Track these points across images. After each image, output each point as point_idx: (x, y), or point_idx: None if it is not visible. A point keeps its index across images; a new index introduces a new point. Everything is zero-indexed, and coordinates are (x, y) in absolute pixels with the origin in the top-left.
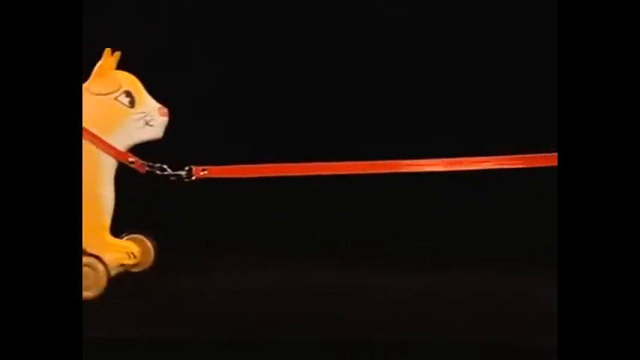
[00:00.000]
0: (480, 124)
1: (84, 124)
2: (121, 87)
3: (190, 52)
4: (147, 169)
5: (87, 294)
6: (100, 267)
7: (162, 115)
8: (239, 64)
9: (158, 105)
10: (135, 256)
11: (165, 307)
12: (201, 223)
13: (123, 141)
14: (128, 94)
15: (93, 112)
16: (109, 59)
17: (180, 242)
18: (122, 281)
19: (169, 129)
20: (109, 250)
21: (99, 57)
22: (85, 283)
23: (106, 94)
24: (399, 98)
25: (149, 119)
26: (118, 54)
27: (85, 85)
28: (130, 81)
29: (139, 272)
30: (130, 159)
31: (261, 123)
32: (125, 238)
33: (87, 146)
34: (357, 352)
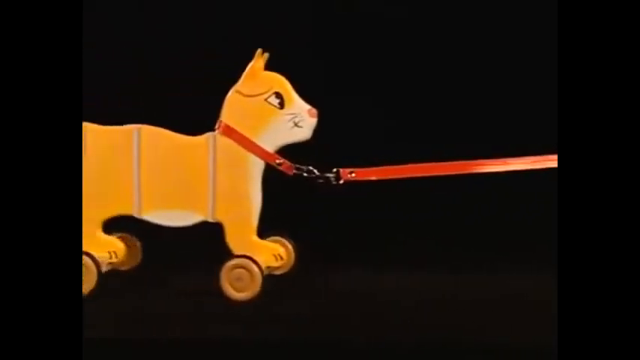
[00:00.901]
0: (479, 125)
1: (234, 126)
2: (271, 88)
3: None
4: (294, 171)
5: (241, 295)
6: (255, 268)
7: (312, 116)
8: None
9: (308, 106)
10: (282, 258)
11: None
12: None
13: (271, 142)
14: (278, 95)
15: (243, 114)
16: (260, 60)
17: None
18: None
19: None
20: (258, 252)
21: (99, 57)
22: (239, 284)
23: (256, 96)
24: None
25: (298, 120)
26: (266, 55)
27: (236, 87)
28: (279, 82)
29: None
30: (278, 160)
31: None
32: (268, 239)
33: (235, 147)
34: (357, 352)
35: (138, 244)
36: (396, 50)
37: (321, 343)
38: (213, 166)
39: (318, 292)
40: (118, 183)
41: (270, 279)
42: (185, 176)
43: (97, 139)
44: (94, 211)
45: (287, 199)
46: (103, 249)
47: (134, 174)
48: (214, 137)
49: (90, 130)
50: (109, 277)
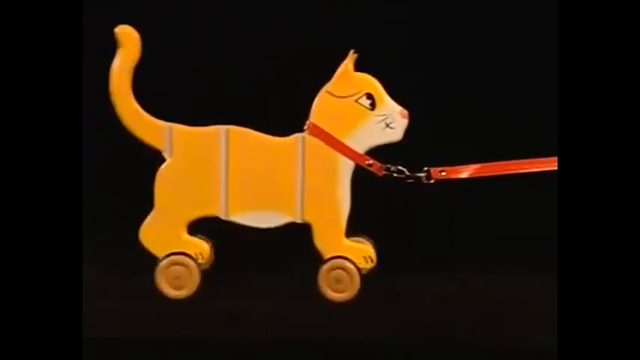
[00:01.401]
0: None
1: (324, 126)
2: (362, 89)
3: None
4: (384, 172)
5: (342, 296)
6: (353, 268)
7: (403, 117)
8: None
9: (399, 107)
10: (372, 260)
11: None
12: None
13: (361, 143)
14: (369, 96)
15: (333, 115)
16: (351, 61)
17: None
18: None
19: None
20: (348, 254)
21: (99, 57)
22: (339, 286)
23: (347, 97)
24: None
25: (390, 121)
26: (355, 55)
27: (327, 88)
28: (370, 83)
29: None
30: (368, 162)
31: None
32: (352, 240)
33: (325, 148)
34: (355, 352)
35: (210, 243)
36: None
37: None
38: (302, 167)
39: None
40: (205, 184)
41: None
42: (273, 177)
43: (184, 139)
44: (180, 213)
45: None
46: (189, 250)
47: (221, 175)
48: (303, 138)
49: (177, 131)
50: (116, 280)
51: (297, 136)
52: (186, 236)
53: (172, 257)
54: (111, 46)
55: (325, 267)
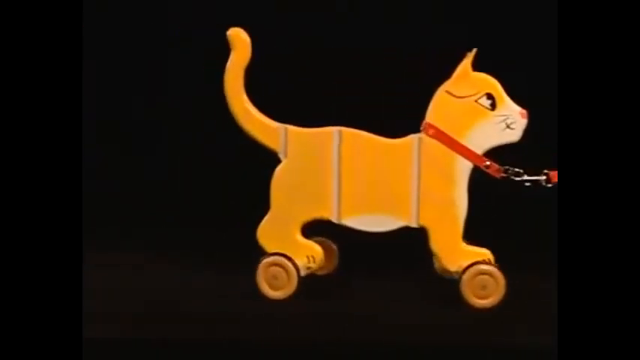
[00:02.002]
0: None
1: (441, 127)
2: (482, 89)
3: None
4: (502, 174)
5: (486, 302)
6: (498, 272)
7: (523, 117)
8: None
9: (519, 108)
10: (491, 262)
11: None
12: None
13: (479, 144)
14: (489, 96)
15: (451, 115)
16: (470, 60)
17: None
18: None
19: None
20: (467, 258)
21: (98, 57)
22: (484, 292)
23: (466, 97)
24: None
25: (510, 122)
26: (472, 54)
27: (445, 87)
28: (490, 83)
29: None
30: (486, 163)
31: None
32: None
33: (442, 149)
34: (355, 352)
35: (335, 247)
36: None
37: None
38: (418, 169)
39: None
40: (318, 186)
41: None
42: (387, 179)
43: (299, 140)
44: (293, 215)
45: None
46: (301, 253)
47: (334, 177)
48: (419, 139)
49: (291, 132)
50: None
51: (412, 137)
52: (300, 238)
53: (273, 258)
54: (111, 46)
55: (469, 273)
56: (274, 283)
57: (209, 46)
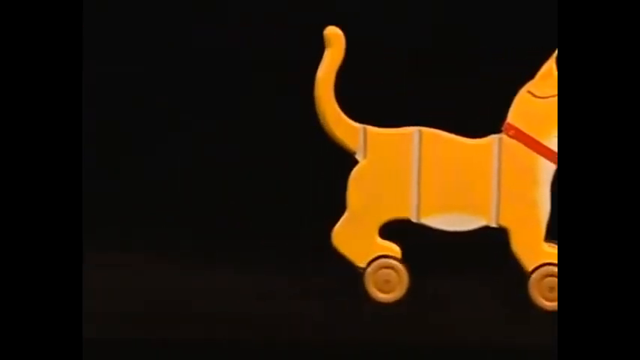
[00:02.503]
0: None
1: (523, 128)
2: None
3: None
4: None
5: (553, 305)
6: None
7: None
8: None
9: None
10: None
11: None
12: None
13: None
14: None
15: (533, 115)
16: (554, 60)
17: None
18: None
19: None
20: (550, 260)
21: (98, 57)
22: (552, 294)
23: (549, 97)
24: None
25: None
26: (556, 54)
27: (527, 87)
28: None
29: None
30: None
31: None
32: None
33: (524, 150)
34: (355, 352)
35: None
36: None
37: None
38: (499, 169)
39: None
40: (397, 186)
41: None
42: (467, 179)
43: (378, 141)
44: (373, 215)
45: None
46: (379, 254)
47: (413, 177)
48: (500, 139)
49: (370, 132)
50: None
51: (493, 138)
52: (379, 239)
53: (380, 260)
54: (111, 46)
55: (538, 274)
56: (385, 287)
57: (209, 46)
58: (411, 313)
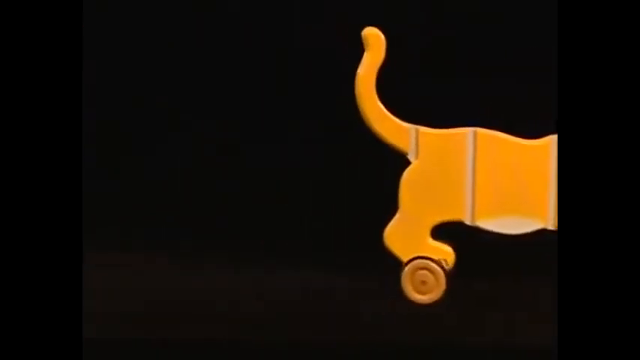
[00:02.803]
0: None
1: None
2: None
3: None
4: None
5: None
6: None
7: None
8: None
9: None
10: None
11: None
12: None
13: None
14: None
15: None
16: None
17: None
18: None
19: None
20: None
21: (98, 57)
22: None
23: None
24: None
25: None
26: None
27: None
28: None
29: None
30: None
31: None
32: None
33: None
34: (355, 352)
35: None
36: None
37: None
38: (556, 171)
39: None
40: (451, 188)
41: None
42: (524, 181)
43: (430, 141)
44: (425, 216)
45: None
46: (434, 256)
47: (467, 178)
48: (557, 141)
49: (423, 133)
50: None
51: (550, 138)
52: (430, 241)
53: (417, 262)
54: (111, 46)
55: None
56: (422, 288)
57: (209, 46)
58: (411, 313)
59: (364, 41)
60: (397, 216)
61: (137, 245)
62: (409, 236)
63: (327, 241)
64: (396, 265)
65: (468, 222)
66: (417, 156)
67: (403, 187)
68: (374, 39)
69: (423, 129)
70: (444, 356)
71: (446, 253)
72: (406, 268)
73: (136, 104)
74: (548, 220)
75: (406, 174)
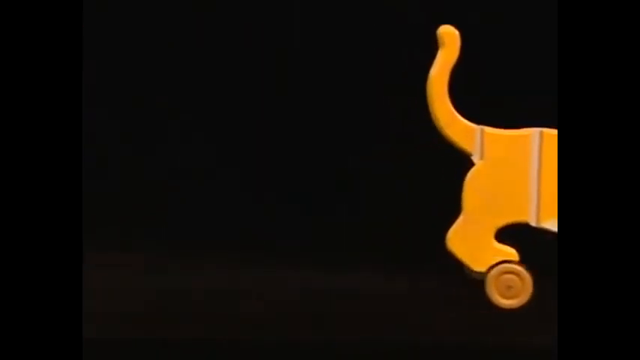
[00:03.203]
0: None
1: None
2: None
3: None
4: None
5: None
6: None
7: None
8: None
9: None
10: None
11: None
12: None
13: None
14: None
15: None
16: None
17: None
18: None
19: None
20: None
21: (98, 57)
22: None
23: None
24: None
25: None
26: None
27: None
28: None
29: None
30: None
31: None
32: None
33: None
34: (355, 352)
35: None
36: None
37: None
38: None
39: None
40: (516, 189)
41: None
42: None
43: (495, 142)
44: (490, 219)
45: None
46: (498, 259)
47: (533, 180)
48: None
49: (488, 134)
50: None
51: None
52: (495, 243)
53: (503, 266)
54: (111, 46)
55: None
56: (508, 293)
57: (209, 46)
58: (410, 313)
59: (439, 40)
60: (460, 218)
61: (137, 245)
62: (473, 239)
63: (327, 241)
64: (399, 265)
65: (533, 223)
66: (481, 157)
67: (467, 189)
68: (449, 37)
69: (488, 129)
70: (445, 356)
71: (511, 255)
72: (491, 273)
73: (136, 104)
74: None
75: (471, 175)
